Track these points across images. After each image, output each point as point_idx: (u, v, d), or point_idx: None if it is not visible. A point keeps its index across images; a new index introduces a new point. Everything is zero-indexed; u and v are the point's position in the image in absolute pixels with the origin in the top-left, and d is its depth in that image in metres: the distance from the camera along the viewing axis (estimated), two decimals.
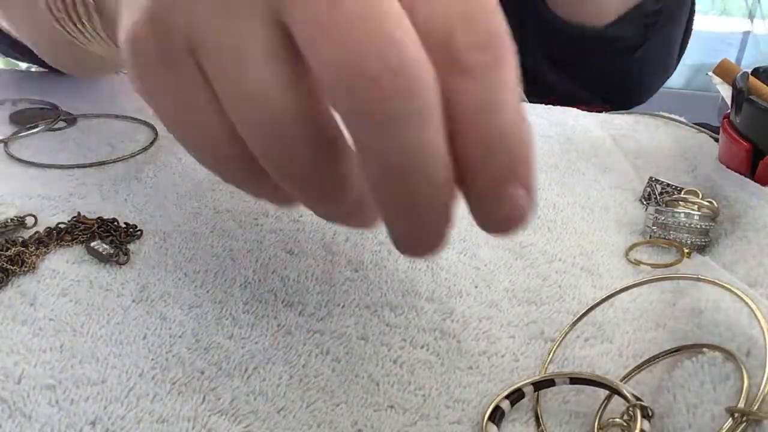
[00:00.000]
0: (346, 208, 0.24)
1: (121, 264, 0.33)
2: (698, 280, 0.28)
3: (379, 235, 0.37)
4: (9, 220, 0.36)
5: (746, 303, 0.25)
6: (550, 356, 0.29)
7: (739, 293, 0.26)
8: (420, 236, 0.22)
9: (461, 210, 0.40)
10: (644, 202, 0.42)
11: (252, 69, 0.21)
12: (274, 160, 0.22)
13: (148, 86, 0.24)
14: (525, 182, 0.21)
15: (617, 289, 0.30)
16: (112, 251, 0.33)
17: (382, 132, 0.19)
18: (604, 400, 0.26)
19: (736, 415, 0.22)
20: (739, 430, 0.21)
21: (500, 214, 0.21)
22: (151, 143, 0.46)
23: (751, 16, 2.49)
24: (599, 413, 0.26)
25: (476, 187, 0.21)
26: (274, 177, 0.23)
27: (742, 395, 0.22)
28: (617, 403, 0.26)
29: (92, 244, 0.34)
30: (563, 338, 0.29)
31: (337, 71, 0.19)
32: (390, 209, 0.21)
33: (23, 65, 0.71)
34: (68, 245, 0.35)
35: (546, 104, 0.59)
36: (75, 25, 0.39)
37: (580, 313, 0.31)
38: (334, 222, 0.26)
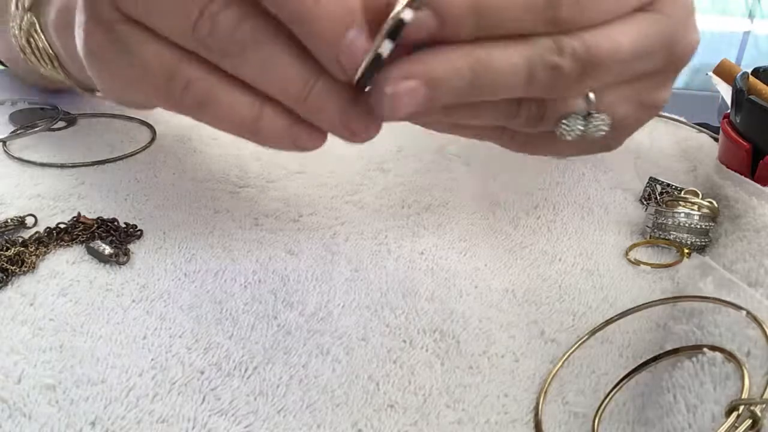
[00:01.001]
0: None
1: (121, 264, 0.33)
2: (721, 302, 0.27)
3: (378, 235, 0.37)
4: (9, 220, 0.36)
5: (760, 324, 0.25)
6: (561, 363, 0.29)
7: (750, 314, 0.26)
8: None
9: (461, 211, 0.40)
10: (644, 202, 0.42)
11: None
12: (206, 34, 0.24)
13: (96, 47, 0.27)
14: None
15: (644, 303, 0.30)
16: (112, 251, 0.33)
17: None
18: (603, 400, 0.26)
19: (741, 407, 0.22)
20: (742, 427, 0.21)
21: None
22: (150, 142, 0.46)
23: (751, 16, 2.49)
24: (599, 413, 0.26)
25: None
26: (232, 68, 0.25)
27: (743, 394, 0.22)
28: (618, 404, 0.26)
29: (92, 244, 0.34)
30: (578, 346, 0.29)
31: None
32: (301, 24, 0.23)
33: None
34: (68, 245, 0.35)
35: None
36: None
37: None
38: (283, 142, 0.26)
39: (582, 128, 0.29)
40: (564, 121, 0.29)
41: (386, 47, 0.22)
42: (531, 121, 0.29)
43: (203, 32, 0.24)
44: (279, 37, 0.24)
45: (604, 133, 0.30)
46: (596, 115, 0.29)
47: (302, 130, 0.26)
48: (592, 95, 0.29)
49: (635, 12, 0.27)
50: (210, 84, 0.25)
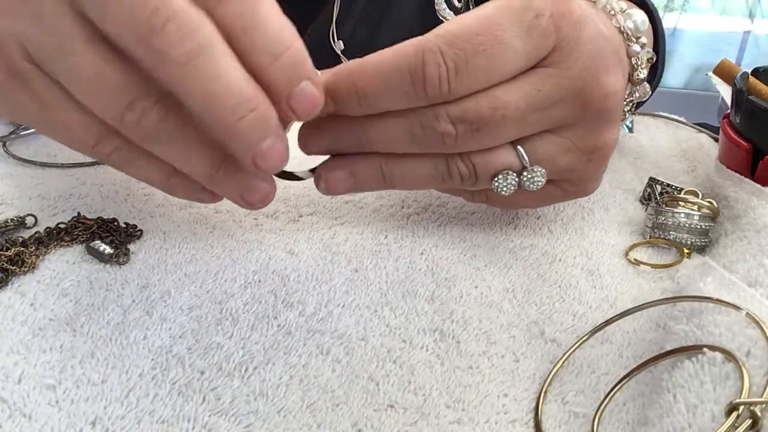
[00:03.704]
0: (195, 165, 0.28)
1: (121, 264, 0.33)
2: (721, 302, 0.27)
3: (378, 235, 0.37)
4: (9, 220, 0.36)
5: (760, 325, 0.25)
6: (561, 363, 0.29)
7: (752, 316, 0.26)
8: (260, 143, 0.26)
9: (461, 211, 0.40)
10: (644, 203, 0.42)
11: (77, 56, 0.25)
12: (133, 125, 0.26)
13: (8, 100, 0.29)
14: (308, 76, 0.26)
15: (644, 303, 0.30)
16: (112, 251, 0.33)
17: (185, 71, 0.24)
18: (603, 400, 0.26)
19: (741, 407, 0.22)
20: (742, 427, 0.21)
21: (300, 107, 0.26)
22: None
23: (751, 16, 2.49)
24: (599, 413, 0.26)
25: (275, 89, 0.26)
26: (142, 142, 0.27)
27: (743, 394, 0.22)
28: (618, 404, 0.26)
29: (92, 244, 0.34)
30: (578, 346, 0.29)
31: (130, 33, 0.24)
32: (223, 133, 0.26)
33: None
34: (68, 245, 0.35)
35: None
36: None
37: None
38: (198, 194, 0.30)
39: (515, 182, 0.32)
40: (497, 177, 0.32)
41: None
42: (466, 179, 0.32)
43: (131, 121, 0.26)
44: (195, 132, 0.27)
45: (540, 184, 0.32)
46: (530, 168, 0.32)
47: (203, 192, 0.30)
48: (521, 149, 0.32)
49: (529, 71, 0.30)
50: (131, 153, 0.28)
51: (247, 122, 0.25)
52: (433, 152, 0.31)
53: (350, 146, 0.31)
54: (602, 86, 0.30)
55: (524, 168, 0.31)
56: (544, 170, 0.32)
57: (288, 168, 0.30)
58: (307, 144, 0.32)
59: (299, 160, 0.32)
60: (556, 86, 0.30)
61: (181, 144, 0.27)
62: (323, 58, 0.48)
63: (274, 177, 0.31)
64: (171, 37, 0.24)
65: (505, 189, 0.32)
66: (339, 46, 0.63)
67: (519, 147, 0.31)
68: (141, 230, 0.36)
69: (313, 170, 0.32)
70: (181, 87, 0.25)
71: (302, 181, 0.33)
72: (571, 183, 0.34)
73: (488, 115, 0.29)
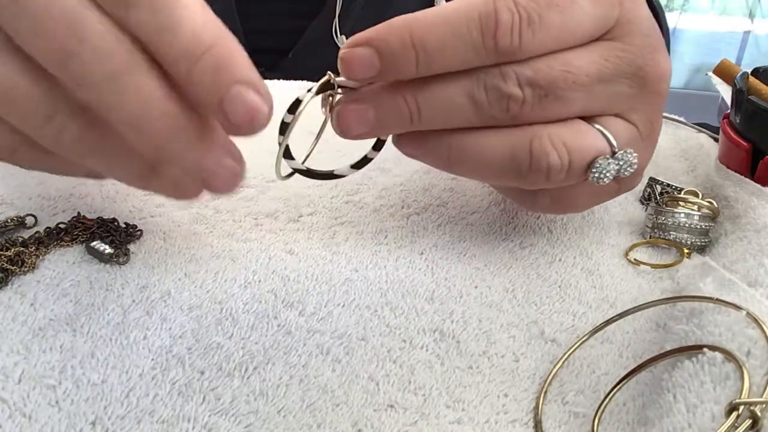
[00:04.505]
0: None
1: (121, 264, 0.33)
2: (721, 302, 0.27)
3: (378, 235, 0.37)
4: (9, 220, 0.36)
5: (760, 325, 0.25)
6: (561, 363, 0.29)
7: (753, 317, 0.26)
8: (188, 152, 0.24)
9: (461, 211, 0.40)
10: (644, 203, 0.42)
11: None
12: (51, 140, 0.25)
13: None
14: (240, 79, 0.22)
15: (644, 303, 0.30)
16: (112, 251, 0.33)
17: (102, 94, 0.22)
18: (603, 400, 0.26)
19: (741, 407, 0.22)
20: (742, 427, 0.21)
21: (235, 116, 0.22)
22: None
23: (751, 16, 2.49)
24: (599, 413, 0.26)
25: (202, 98, 0.23)
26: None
27: (743, 394, 0.22)
28: (618, 404, 0.26)
29: (92, 244, 0.34)
30: (578, 346, 0.29)
31: (45, 54, 0.22)
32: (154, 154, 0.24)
33: None
34: (68, 245, 0.35)
35: None
36: None
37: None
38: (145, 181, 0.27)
39: (615, 168, 0.30)
40: (595, 164, 0.30)
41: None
42: (556, 169, 0.29)
43: (49, 136, 0.24)
44: (122, 142, 0.24)
45: (635, 167, 0.30)
46: (620, 152, 0.30)
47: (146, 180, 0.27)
48: (604, 130, 0.30)
49: (594, 42, 0.29)
50: (53, 161, 0.27)
51: (181, 144, 0.23)
52: (506, 125, 0.28)
53: (398, 122, 0.28)
54: (658, 65, 0.30)
55: (614, 153, 0.30)
56: (635, 151, 0.30)
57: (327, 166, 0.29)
58: (342, 125, 0.28)
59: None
60: (620, 59, 0.29)
61: (105, 155, 0.25)
62: (324, 55, 0.47)
63: (315, 179, 0.30)
64: (86, 63, 0.22)
65: (604, 177, 0.30)
66: (342, 41, 0.63)
67: (600, 127, 0.29)
68: (141, 230, 0.36)
69: (354, 166, 0.31)
70: (101, 110, 0.23)
71: (302, 181, 0.33)
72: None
73: (560, 78, 0.27)
